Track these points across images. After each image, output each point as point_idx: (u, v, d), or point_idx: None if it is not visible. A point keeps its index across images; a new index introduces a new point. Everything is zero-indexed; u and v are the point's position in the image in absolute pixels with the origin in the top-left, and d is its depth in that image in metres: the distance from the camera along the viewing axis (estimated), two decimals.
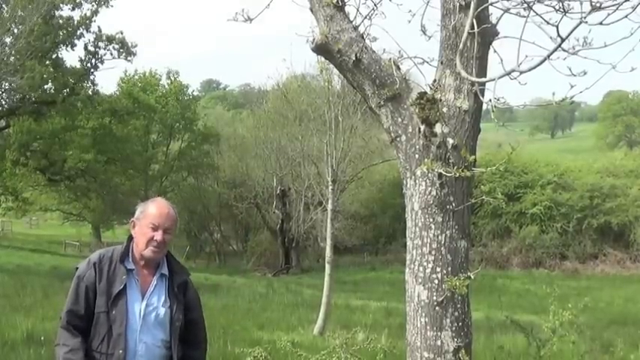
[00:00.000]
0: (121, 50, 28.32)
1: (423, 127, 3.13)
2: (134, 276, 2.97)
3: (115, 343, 2.86)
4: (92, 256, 3.02)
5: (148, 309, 2.96)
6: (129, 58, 28.93)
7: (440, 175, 3.10)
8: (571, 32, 2.63)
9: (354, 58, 3.18)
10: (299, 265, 33.31)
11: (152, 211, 3.01)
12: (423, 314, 3.15)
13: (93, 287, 2.90)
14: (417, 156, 3.16)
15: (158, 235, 2.97)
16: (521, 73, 2.79)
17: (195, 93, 45.82)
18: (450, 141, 3.11)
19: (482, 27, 3.07)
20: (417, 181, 3.18)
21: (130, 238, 3.05)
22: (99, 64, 28.10)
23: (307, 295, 19.80)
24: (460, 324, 3.14)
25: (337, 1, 3.23)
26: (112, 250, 3.03)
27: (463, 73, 3.05)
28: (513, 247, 31.39)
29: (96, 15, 26.75)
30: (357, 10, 3.33)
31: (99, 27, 27.74)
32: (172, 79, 40.03)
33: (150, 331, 2.95)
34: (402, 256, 3.80)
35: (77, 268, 3.00)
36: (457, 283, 3.05)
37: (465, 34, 3.07)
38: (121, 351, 2.85)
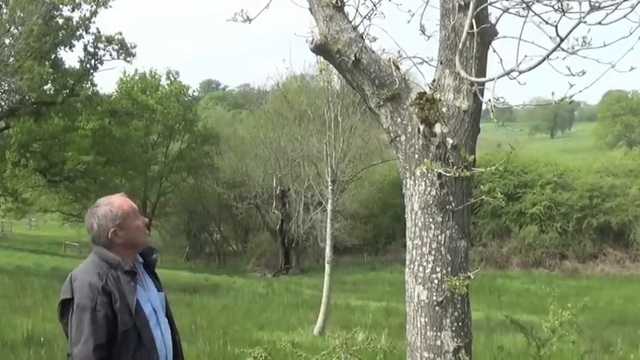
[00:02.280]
0: (120, 51, 28.34)
1: (422, 127, 3.13)
2: (136, 277, 2.90)
3: (148, 351, 2.79)
4: (89, 280, 2.76)
5: (154, 301, 2.94)
6: (128, 59, 28.96)
7: (439, 175, 3.10)
8: (570, 32, 2.63)
9: (353, 58, 3.18)
10: (299, 266, 33.34)
11: (125, 204, 2.94)
12: (423, 314, 3.15)
13: (111, 311, 2.73)
14: (416, 156, 3.16)
15: (143, 219, 3.00)
16: (521, 72, 2.79)
17: (195, 93, 45.84)
18: (450, 141, 3.11)
19: (482, 27, 3.07)
20: (416, 181, 3.18)
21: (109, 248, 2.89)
22: (98, 65, 28.13)
23: (307, 296, 19.83)
24: (460, 324, 3.14)
25: (336, 2, 3.23)
26: (100, 265, 2.84)
27: (462, 73, 3.06)
28: (513, 247, 31.43)
29: (95, 16, 26.77)
30: (357, 10, 3.33)
31: (98, 28, 27.81)
32: (172, 79, 40.02)
33: (162, 322, 2.94)
34: (402, 256, 3.80)
35: (72, 298, 2.74)
36: (457, 283, 3.05)
37: (465, 34, 3.07)
38: (155, 356, 2.81)
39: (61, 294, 2.80)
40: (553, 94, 2.79)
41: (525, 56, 2.72)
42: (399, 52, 3.30)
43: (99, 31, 27.69)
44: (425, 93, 3.17)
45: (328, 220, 14.34)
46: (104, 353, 2.70)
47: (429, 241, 3.14)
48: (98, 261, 2.85)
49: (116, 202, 2.93)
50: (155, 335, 2.84)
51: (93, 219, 2.90)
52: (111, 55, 28.24)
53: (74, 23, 26.65)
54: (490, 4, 3.10)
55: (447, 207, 3.13)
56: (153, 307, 2.91)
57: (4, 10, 21.93)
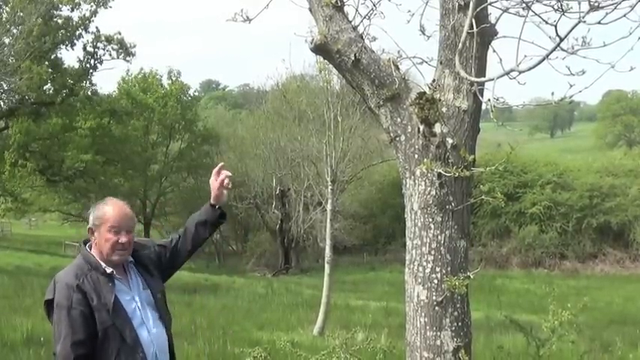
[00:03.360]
0: (120, 51, 28.34)
1: (422, 127, 3.13)
2: (116, 277, 2.90)
3: (132, 349, 2.81)
4: (66, 280, 2.82)
5: (141, 299, 2.94)
6: (127, 59, 28.96)
7: (439, 175, 3.09)
8: (570, 32, 2.63)
9: (353, 58, 3.17)
10: (298, 266, 33.33)
11: (111, 213, 2.91)
12: (423, 314, 3.14)
13: (88, 309, 2.76)
14: (416, 156, 3.16)
15: (123, 238, 2.89)
16: (520, 72, 2.79)
17: (195, 93, 45.79)
18: (450, 141, 3.11)
19: (482, 27, 3.07)
20: (416, 181, 3.18)
21: (89, 246, 2.95)
22: (98, 65, 28.13)
23: (307, 296, 19.82)
24: (460, 324, 3.14)
25: (336, 1, 3.23)
26: (81, 266, 2.88)
27: (462, 73, 3.05)
28: (513, 247, 31.42)
29: (94, 15, 26.78)
30: (356, 10, 3.33)
31: (97, 28, 27.81)
32: (173, 79, 39.98)
33: (149, 319, 2.94)
34: (402, 256, 3.80)
35: (52, 299, 2.81)
36: (456, 283, 3.04)
37: (464, 34, 3.07)
38: (141, 354, 2.82)
39: (45, 295, 2.89)
40: (553, 94, 2.79)
41: (525, 56, 2.72)
42: (398, 52, 3.30)
43: (98, 31, 27.72)
44: (425, 93, 3.17)
45: (328, 220, 14.34)
46: (83, 349, 2.74)
47: (428, 241, 3.14)
48: (82, 262, 2.91)
49: (107, 206, 2.96)
50: (139, 334, 2.85)
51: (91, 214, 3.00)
52: (110, 54, 28.28)
53: (74, 23, 26.65)
54: (490, 4, 3.10)
55: (447, 207, 3.13)
56: (139, 305, 2.92)
57: (4, 10, 21.93)
